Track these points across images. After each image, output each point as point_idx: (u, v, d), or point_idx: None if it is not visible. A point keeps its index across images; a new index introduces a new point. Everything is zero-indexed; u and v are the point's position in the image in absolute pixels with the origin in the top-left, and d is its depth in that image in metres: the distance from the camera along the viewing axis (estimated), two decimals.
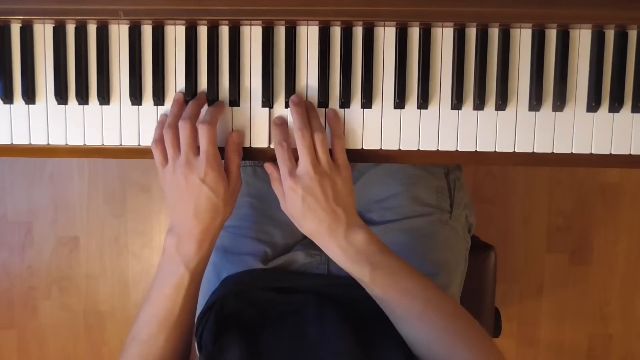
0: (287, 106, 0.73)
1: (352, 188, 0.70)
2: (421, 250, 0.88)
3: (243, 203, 0.92)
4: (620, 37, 0.73)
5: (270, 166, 0.72)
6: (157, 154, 0.69)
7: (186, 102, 0.73)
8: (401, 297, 0.68)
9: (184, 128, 0.67)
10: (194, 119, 0.68)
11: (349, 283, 0.72)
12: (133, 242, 1.71)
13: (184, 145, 0.67)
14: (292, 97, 0.72)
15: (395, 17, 0.71)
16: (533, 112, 0.74)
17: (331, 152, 0.70)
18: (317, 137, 0.68)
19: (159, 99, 0.73)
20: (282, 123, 0.72)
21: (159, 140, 0.69)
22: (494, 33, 0.73)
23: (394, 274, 0.68)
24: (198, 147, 0.68)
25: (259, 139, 0.74)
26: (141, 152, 0.75)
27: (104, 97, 0.74)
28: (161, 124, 0.71)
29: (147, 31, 0.73)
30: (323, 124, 0.72)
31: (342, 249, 0.68)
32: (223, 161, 0.70)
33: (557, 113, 0.74)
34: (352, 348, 0.68)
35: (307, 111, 0.71)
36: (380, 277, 0.68)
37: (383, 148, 0.74)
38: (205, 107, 0.72)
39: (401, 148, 0.74)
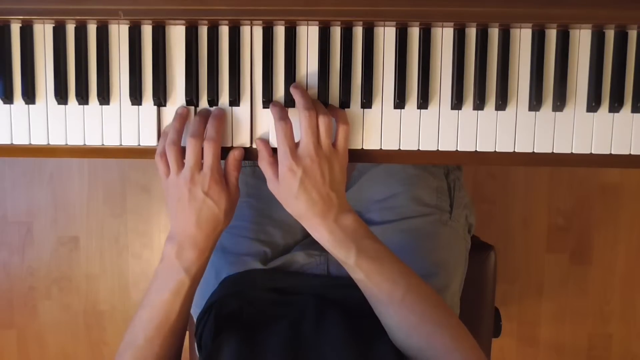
0: (286, 105, 0.73)
1: (346, 173, 0.71)
2: (421, 251, 0.88)
3: (242, 203, 0.92)
4: (620, 37, 0.73)
5: (261, 143, 0.72)
6: (160, 166, 0.71)
7: (188, 103, 0.73)
8: (383, 282, 0.69)
9: (193, 146, 0.69)
10: (201, 136, 0.70)
11: (348, 284, 0.72)
12: (133, 242, 1.71)
13: (190, 161, 0.69)
14: (292, 84, 0.72)
15: (395, 17, 0.71)
16: (533, 112, 0.74)
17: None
18: (322, 120, 0.68)
19: (159, 99, 0.73)
20: (280, 104, 0.72)
21: (163, 153, 0.71)
22: (494, 33, 0.73)
23: (378, 259, 0.69)
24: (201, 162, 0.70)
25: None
26: (141, 152, 0.75)
27: (104, 97, 0.74)
28: (164, 136, 0.72)
29: (147, 31, 0.73)
30: None
31: (330, 231, 0.69)
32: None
33: (557, 113, 0.74)
34: (347, 348, 0.68)
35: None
36: (364, 261, 0.69)
37: (383, 148, 0.74)
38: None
39: (401, 148, 0.74)
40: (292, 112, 0.72)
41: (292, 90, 0.71)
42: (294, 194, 0.68)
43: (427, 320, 0.68)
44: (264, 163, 0.71)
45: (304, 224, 0.71)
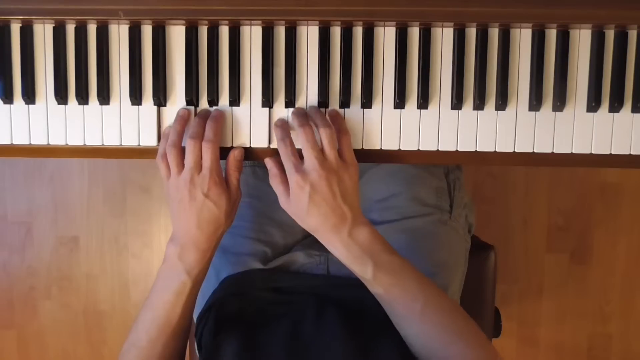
0: (287, 106, 0.73)
1: (358, 185, 0.70)
2: (421, 251, 0.88)
3: (242, 203, 0.92)
4: (620, 37, 0.73)
5: (270, 161, 0.71)
6: (162, 167, 0.71)
7: (188, 103, 0.73)
8: (402, 296, 0.68)
9: (192, 147, 0.69)
10: (200, 138, 0.69)
11: (348, 284, 0.72)
12: (133, 242, 1.71)
13: (189, 163, 0.69)
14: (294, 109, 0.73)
15: (395, 17, 0.71)
16: (533, 112, 0.74)
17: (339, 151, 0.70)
18: (323, 132, 0.68)
19: (159, 99, 0.73)
20: (282, 123, 0.72)
21: (164, 155, 0.71)
22: (494, 33, 0.73)
23: (396, 273, 0.68)
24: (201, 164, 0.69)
25: (259, 139, 0.74)
26: (141, 152, 0.75)
27: (104, 97, 0.74)
28: (165, 138, 0.72)
29: (147, 31, 0.73)
30: None
31: (345, 246, 0.68)
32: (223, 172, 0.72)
33: (557, 113, 0.74)
34: (348, 348, 0.68)
35: (310, 113, 0.71)
36: (382, 275, 0.68)
37: (383, 148, 0.74)
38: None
39: (401, 148, 0.74)
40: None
41: (292, 114, 0.72)
42: (305, 209, 0.67)
43: (446, 331, 0.67)
44: (275, 181, 0.70)
45: (319, 238, 0.70)
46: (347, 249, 0.68)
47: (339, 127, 0.71)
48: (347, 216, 0.68)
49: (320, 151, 0.67)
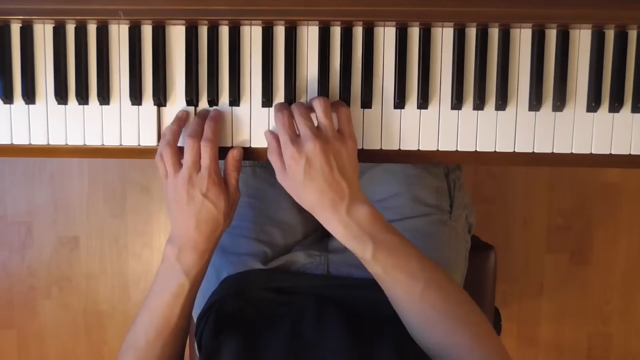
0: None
1: (357, 161, 0.68)
2: (421, 250, 0.88)
3: (242, 203, 0.92)
4: (620, 37, 0.73)
5: (269, 134, 0.71)
6: (160, 167, 0.71)
7: (188, 103, 0.73)
8: (402, 277, 0.66)
9: (190, 146, 0.68)
10: (199, 137, 0.69)
11: (348, 284, 0.72)
12: (133, 242, 1.71)
13: (188, 161, 0.68)
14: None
15: (395, 17, 0.71)
16: (533, 112, 0.74)
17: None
18: (316, 102, 0.67)
19: (159, 99, 0.73)
20: (282, 102, 0.72)
21: (162, 155, 0.70)
22: (494, 33, 0.73)
23: (396, 253, 0.67)
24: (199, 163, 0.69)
25: (259, 139, 0.74)
26: (141, 152, 0.75)
27: (104, 97, 0.74)
28: (164, 138, 0.71)
29: (147, 31, 0.73)
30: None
31: (344, 224, 0.66)
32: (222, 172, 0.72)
33: (557, 113, 0.74)
34: (348, 348, 0.68)
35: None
36: (382, 255, 0.66)
37: (383, 148, 0.74)
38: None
39: (401, 148, 0.74)
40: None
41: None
42: (300, 182, 0.65)
43: (449, 317, 0.65)
44: (272, 155, 0.69)
45: (317, 217, 0.68)
46: (345, 227, 0.66)
47: (337, 104, 0.70)
48: (345, 192, 0.66)
49: (314, 123, 0.66)
